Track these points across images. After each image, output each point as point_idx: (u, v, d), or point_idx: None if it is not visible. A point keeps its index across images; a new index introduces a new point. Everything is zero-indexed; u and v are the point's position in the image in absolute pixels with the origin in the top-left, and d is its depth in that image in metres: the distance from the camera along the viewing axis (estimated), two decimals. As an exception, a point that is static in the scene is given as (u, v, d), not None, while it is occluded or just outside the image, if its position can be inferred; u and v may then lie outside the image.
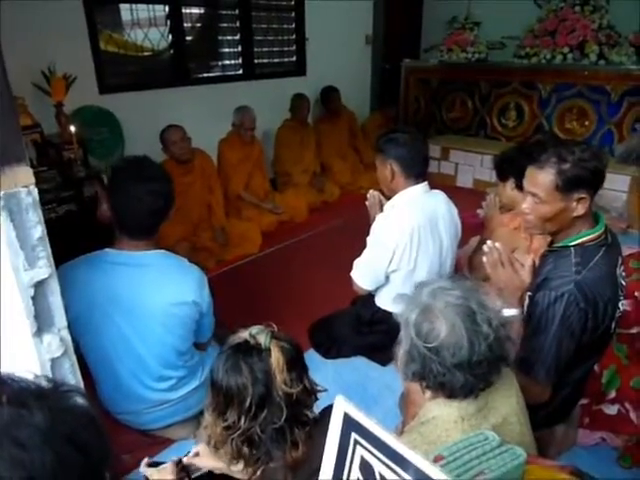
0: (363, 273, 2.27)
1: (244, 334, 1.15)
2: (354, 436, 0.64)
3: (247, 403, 1.06)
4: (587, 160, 1.45)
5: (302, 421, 1.13)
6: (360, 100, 5.89)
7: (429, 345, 1.10)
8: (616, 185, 4.18)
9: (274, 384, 1.07)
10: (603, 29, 4.74)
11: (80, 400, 0.60)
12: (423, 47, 6.38)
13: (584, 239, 1.54)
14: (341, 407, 0.65)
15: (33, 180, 1.22)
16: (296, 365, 1.13)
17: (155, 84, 4.06)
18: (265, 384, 1.06)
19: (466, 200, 3.26)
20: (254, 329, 1.15)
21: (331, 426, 0.68)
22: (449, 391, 1.14)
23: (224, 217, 3.86)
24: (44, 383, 0.59)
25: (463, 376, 1.10)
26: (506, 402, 1.24)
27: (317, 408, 1.23)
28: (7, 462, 0.48)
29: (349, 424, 0.65)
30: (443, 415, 1.17)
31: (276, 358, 1.08)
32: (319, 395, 1.21)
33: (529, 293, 1.62)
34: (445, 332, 1.09)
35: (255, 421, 1.07)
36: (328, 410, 1.30)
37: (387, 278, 2.25)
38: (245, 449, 1.10)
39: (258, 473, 1.13)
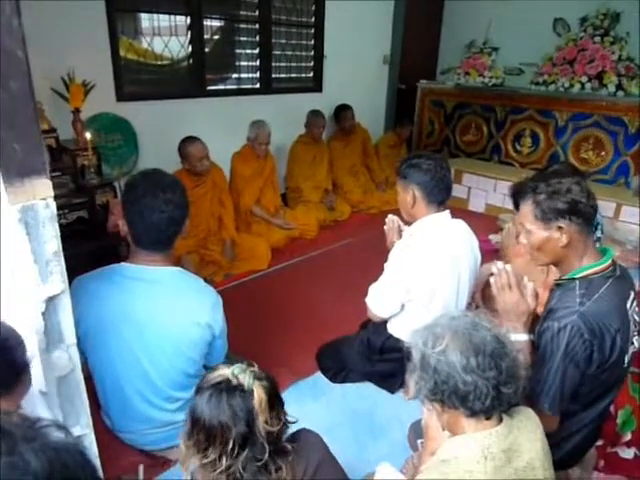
0: (378, 301, 2.21)
1: (225, 371, 1.15)
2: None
3: (230, 443, 1.06)
4: (560, 193, 1.50)
5: (284, 452, 1.16)
6: (375, 119, 5.89)
7: (436, 349, 1.15)
8: (632, 218, 4.15)
9: (256, 424, 1.08)
10: (622, 60, 4.75)
11: (59, 434, 0.58)
12: (440, 69, 6.40)
13: (589, 271, 1.55)
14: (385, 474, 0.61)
15: (52, 193, 1.19)
16: (276, 403, 1.15)
17: (172, 94, 4.06)
18: (247, 424, 1.08)
19: (478, 225, 3.20)
20: (236, 368, 1.15)
21: None
22: (462, 399, 1.13)
23: (234, 231, 3.83)
24: (18, 421, 0.56)
25: (473, 379, 1.12)
26: (531, 446, 1.20)
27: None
28: None
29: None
30: (465, 454, 1.14)
31: (259, 399, 1.10)
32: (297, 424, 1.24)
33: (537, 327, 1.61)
34: (450, 336, 1.16)
35: (237, 459, 1.08)
36: (299, 434, 1.28)
37: (402, 306, 2.19)
38: None
39: None
